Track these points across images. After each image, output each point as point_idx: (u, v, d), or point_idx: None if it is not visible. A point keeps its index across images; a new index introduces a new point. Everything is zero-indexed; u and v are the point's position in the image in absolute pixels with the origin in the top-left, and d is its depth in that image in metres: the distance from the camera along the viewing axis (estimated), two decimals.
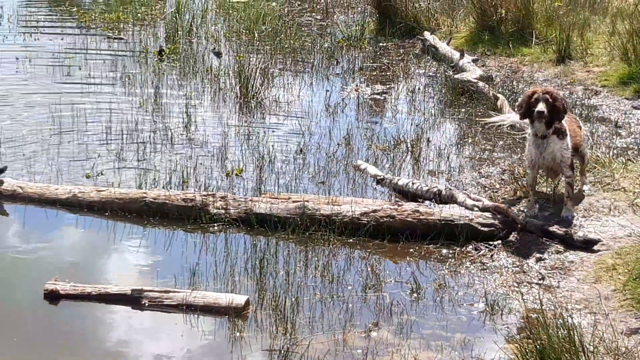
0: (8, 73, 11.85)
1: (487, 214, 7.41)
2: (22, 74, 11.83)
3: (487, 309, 6.26)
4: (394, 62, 12.80)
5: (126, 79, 11.61)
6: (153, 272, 6.79)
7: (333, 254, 7.08)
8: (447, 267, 6.92)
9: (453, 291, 6.55)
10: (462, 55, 12.01)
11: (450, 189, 7.87)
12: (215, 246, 7.21)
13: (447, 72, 11.87)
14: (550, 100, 7.28)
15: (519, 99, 7.78)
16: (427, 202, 7.79)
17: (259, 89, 10.99)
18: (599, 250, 7.02)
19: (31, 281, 6.58)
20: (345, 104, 10.94)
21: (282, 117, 10.41)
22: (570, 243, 7.13)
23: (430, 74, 12.23)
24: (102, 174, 8.50)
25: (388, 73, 12.32)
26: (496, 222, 7.36)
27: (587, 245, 7.07)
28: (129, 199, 7.75)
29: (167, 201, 7.67)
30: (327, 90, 11.46)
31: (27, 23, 14.55)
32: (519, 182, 8.22)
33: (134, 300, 6.29)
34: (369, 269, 6.86)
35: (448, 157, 9.11)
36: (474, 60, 12.04)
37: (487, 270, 6.86)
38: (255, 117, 10.46)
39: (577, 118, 8.29)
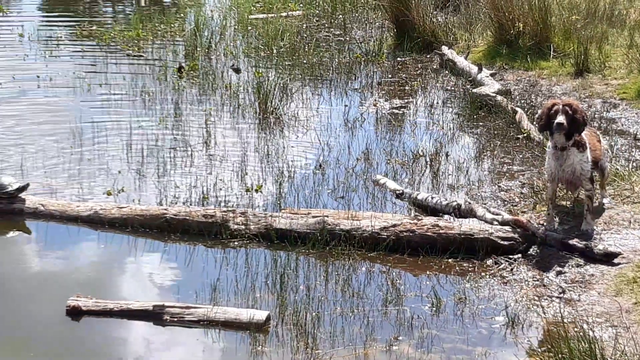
0: (29, 91, 11.95)
1: (507, 228, 7.41)
2: (43, 92, 11.92)
3: (508, 322, 6.26)
4: (412, 76, 12.82)
5: (146, 96, 11.68)
6: (174, 288, 6.83)
7: (353, 269, 7.10)
8: (467, 280, 6.92)
9: (473, 305, 6.55)
10: (480, 70, 12.02)
11: (469, 203, 7.87)
12: (235, 261, 7.24)
13: (465, 86, 11.89)
14: (570, 112, 7.28)
15: (539, 111, 7.79)
16: (446, 216, 7.81)
17: (277, 104, 11.04)
18: (619, 264, 7.00)
19: (53, 297, 6.62)
20: (363, 118, 10.97)
21: (301, 133, 10.45)
22: (590, 256, 7.11)
23: (449, 88, 12.24)
24: (122, 191, 8.55)
25: (406, 88, 12.34)
26: (516, 235, 7.36)
27: (608, 258, 7.06)
28: (149, 215, 7.80)
29: (188, 217, 7.71)
30: (345, 105, 11.50)
31: (48, 41, 14.66)
32: (539, 196, 8.22)
33: (155, 315, 6.33)
34: (389, 283, 6.88)
35: (467, 171, 9.12)
36: (492, 74, 12.05)
37: (508, 284, 6.86)
38: (274, 132, 10.49)
39: (597, 132, 8.28)
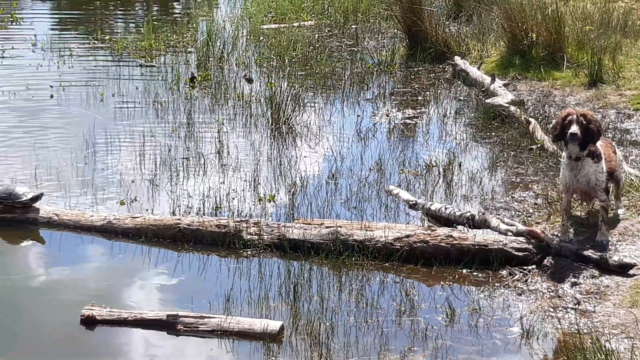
0: (42, 100, 11.97)
1: (521, 239, 7.39)
2: (56, 101, 11.95)
3: (523, 333, 6.24)
4: (425, 86, 12.81)
5: (159, 106, 11.69)
6: (188, 298, 6.82)
7: (367, 279, 7.09)
8: (481, 291, 6.90)
9: (488, 315, 6.53)
10: (493, 80, 12.00)
11: (483, 214, 7.86)
12: (249, 271, 7.24)
13: (478, 97, 11.88)
14: (584, 122, 7.26)
15: (553, 121, 7.77)
16: (460, 227, 7.79)
17: (290, 114, 11.04)
18: (634, 275, 6.98)
19: (68, 307, 6.64)
20: (376, 128, 10.96)
21: (313, 143, 10.44)
22: (605, 267, 7.09)
23: (461, 98, 12.22)
24: (136, 200, 8.56)
25: (419, 98, 12.33)
26: (530, 246, 7.34)
27: (623, 269, 7.04)
28: (163, 225, 7.80)
29: (201, 227, 7.71)
30: (358, 115, 11.49)
31: (61, 51, 14.69)
32: (553, 207, 8.19)
33: (169, 325, 6.34)
34: (403, 294, 6.86)
35: (480, 182, 9.10)
36: (505, 85, 12.02)
37: (522, 295, 6.84)
38: (286, 142, 10.49)
39: (613, 143, 8.25)
